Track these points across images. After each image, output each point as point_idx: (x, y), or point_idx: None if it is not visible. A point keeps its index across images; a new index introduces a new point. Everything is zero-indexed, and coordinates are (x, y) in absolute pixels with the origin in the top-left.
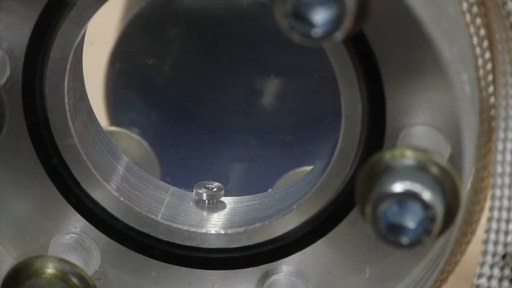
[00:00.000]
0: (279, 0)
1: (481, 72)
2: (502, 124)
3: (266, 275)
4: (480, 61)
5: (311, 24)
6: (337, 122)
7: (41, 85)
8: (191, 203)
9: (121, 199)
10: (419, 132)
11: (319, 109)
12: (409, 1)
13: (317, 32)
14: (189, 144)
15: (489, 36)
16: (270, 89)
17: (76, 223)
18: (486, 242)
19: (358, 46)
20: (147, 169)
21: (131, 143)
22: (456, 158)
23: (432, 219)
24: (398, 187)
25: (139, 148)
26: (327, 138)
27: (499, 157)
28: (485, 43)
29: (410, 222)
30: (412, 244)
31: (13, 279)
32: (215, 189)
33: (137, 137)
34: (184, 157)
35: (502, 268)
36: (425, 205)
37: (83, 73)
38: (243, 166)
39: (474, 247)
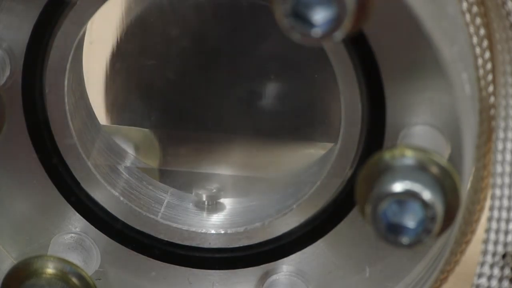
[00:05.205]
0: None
1: (481, 71)
2: (502, 124)
3: (266, 275)
4: (480, 61)
5: (311, 24)
6: None
7: (40, 84)
8: (191, 203)
9: (121, 199)
10: (419, 132)
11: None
12: (409, 1)
13: (317, 32)
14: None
15: (489, 35)
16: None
17: (76, 223)
18: (486, 241)
19: (358, 46)
20: (148, 156)
21: (130, 131)
22: (456, 157)
23: (432, 219)
24: (398, 186)
25: (139, 134)
26: None
27: (499, 157)
28: (485, 43)
29: (410, 221)
30: (412, 244)
31: (13, 279)
32: (214, 190)
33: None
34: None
35: (502, 268)
36: (425, 205)
37: (83, 73)
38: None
39: (474, 247)
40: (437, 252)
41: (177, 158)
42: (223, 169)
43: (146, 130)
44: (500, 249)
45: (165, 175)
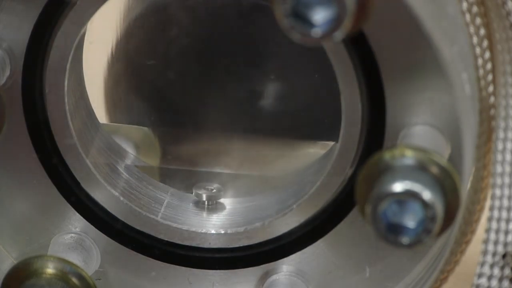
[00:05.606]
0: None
1: (481, 71)
2: (502, 124)
3: (266, 275)
4: (480, 61)
5: (311, 24)
6: None
7: (40, 85)
8: (191, 204)
9: (121, 199)
10: (419, 132)
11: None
12: (409, 1)
13: (317, 32)
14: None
15: (489, 35)
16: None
17: (76, 223)
18: (486, 241)
19: (358, 46)
20: (148, 154)
21: (130, 130)
22: (456, 157)
23: (432, 219)
24: (398, 186)
25: (139, 133)
26: None
27: (499, 157)
28: (485, 43)
29: (410, 221)
30: (412, 244)
31: (13, 279)
32: (214, 190)
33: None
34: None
35: (502, 268)
36: (425, 205)
37: (83, 73)
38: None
39: (474, 247)
40: (437, 252)
41: (177, 157)
42: (223, 168)
43: (146, 129)
44: (500, 249)
45: (165, 174)
